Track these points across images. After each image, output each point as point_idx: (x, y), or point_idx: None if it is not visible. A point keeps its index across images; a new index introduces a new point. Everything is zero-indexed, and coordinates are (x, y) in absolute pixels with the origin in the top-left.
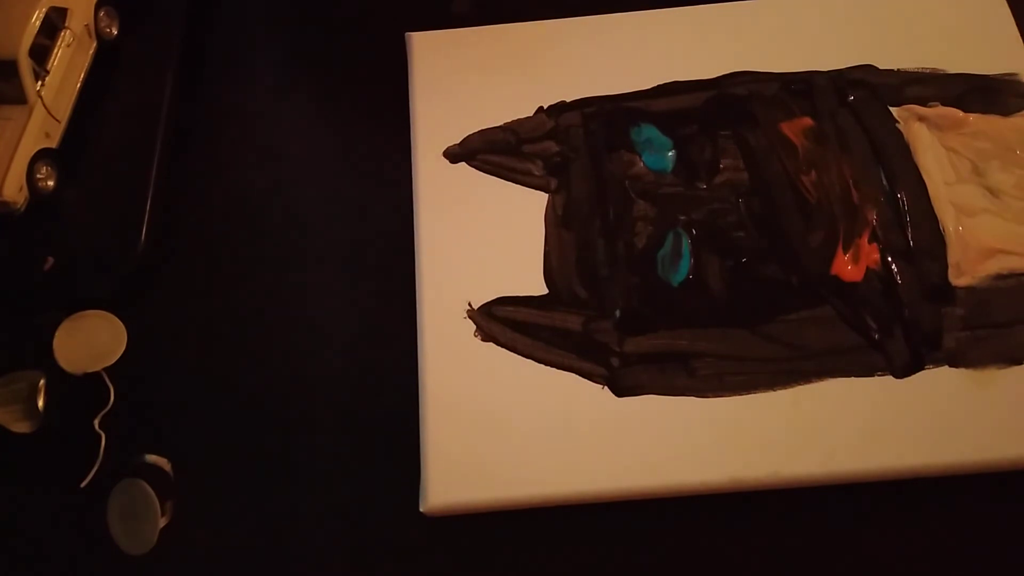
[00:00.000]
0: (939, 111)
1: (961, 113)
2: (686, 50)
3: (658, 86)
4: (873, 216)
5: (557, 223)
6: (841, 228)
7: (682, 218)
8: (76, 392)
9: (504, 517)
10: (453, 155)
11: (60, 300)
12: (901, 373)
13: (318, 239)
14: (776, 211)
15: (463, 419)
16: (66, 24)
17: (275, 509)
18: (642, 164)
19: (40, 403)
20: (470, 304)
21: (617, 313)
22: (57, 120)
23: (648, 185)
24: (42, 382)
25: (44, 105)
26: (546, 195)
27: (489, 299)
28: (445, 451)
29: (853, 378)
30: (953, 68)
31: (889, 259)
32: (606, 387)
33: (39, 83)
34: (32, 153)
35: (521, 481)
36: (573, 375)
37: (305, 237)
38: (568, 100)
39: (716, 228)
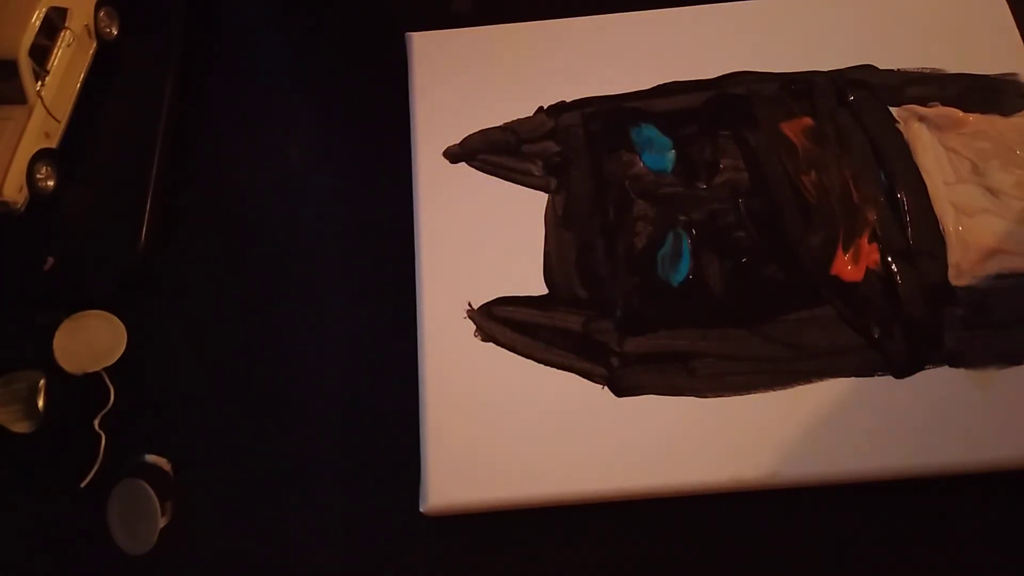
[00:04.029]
0: (939, 111)
1: (961, 113)
2: (686, 50)
3: (658, 86)
4: (873, 216)
5: (557, 223)
6: (841, 228)
7: (682, 218)
8: (76, 392)
9: (504, 517)
10: (453, 155)
11: (60, 300)
12: (901, 373)
13: (318, 239)
14: (776, 211)
15: (463, 419)
16: (66, 24)
17: (275, 509)
18: (642, 164)
19: (40, 403)
20: (470, 304)
21: (617, 313)
22: (57, 120)
23: (648, 185)
24: (42, 382)
25: (44, 105)
26: (546, 195)
27: (489, 299)
28: (445, 451)
29: (853, 378)
30: (953, 68)
31: (889, 259)
32: (606, 387)
33: (39, 83)
34: (32, 153)
35: (521, 481)
36: (573, 375)
37: (305, 237)
38: (568, 100)
39: (716, 228)
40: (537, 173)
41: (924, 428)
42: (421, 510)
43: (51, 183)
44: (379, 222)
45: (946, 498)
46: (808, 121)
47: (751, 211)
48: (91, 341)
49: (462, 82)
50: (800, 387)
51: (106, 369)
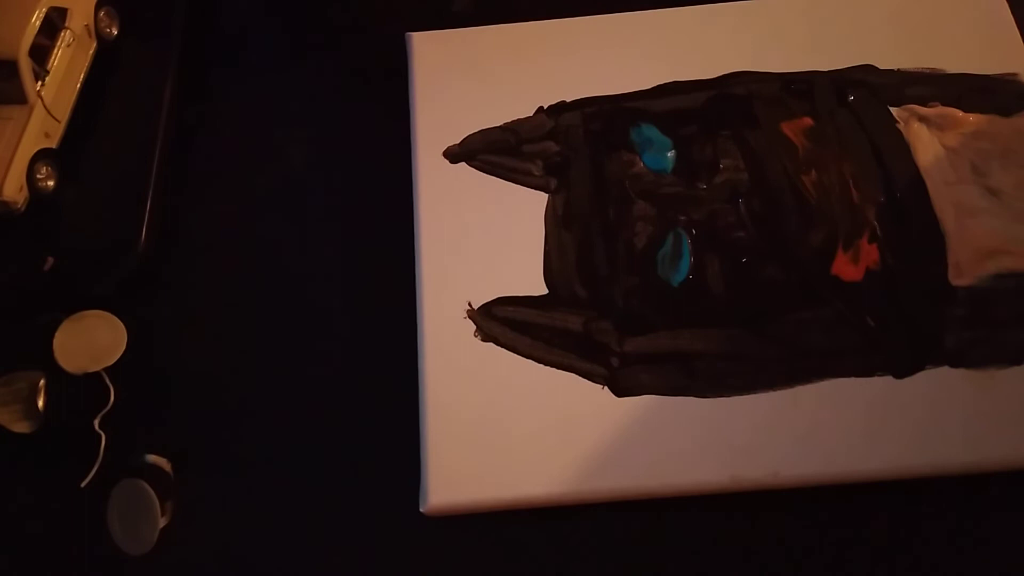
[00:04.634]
0: (939, 111)
1: (961, 113)
2: (686, 50)
3: (658, 86)
4: (873, 216)
5: (557, 223)
6: (841, 228)
7: (682, 218)
8: (76, 392)
9: (504, 517)
10: (453, 155)
11: (60, 300)
12: (901, 373)
13: (318, 239)
14: (776, 211)
15: (463, 419)
16: (66, 24)
17: (275, 509)
18: (642, 164)
19: (40, 403)
20: (470, 304)
21: (617, 313)
22: (57, 120)
23: (648, 185)
24: (42, 382)
25: (44, 105)
26: (546, 195)
27: (489, 299)
28: (445, 451)
29: (853, 378)
30: (953, 68)
31: (889, 259)
32: (606, 387)
33: (39, 83)
34: (32, 153)
35: (521, 481)
36: (573, 375)
37: (305, 237)
38: (568, 100)
39: (716, 228)
40: (537, 173)
41: (924, 428)
42: (421, 510)
43: (51, 183)
44: (379, 222)
45: (947, 498)
46: (808, 121)
47: (751, 211)
48: (91, 341)
49: (462, 82)
50: (800, 387)
51: (106, 369)
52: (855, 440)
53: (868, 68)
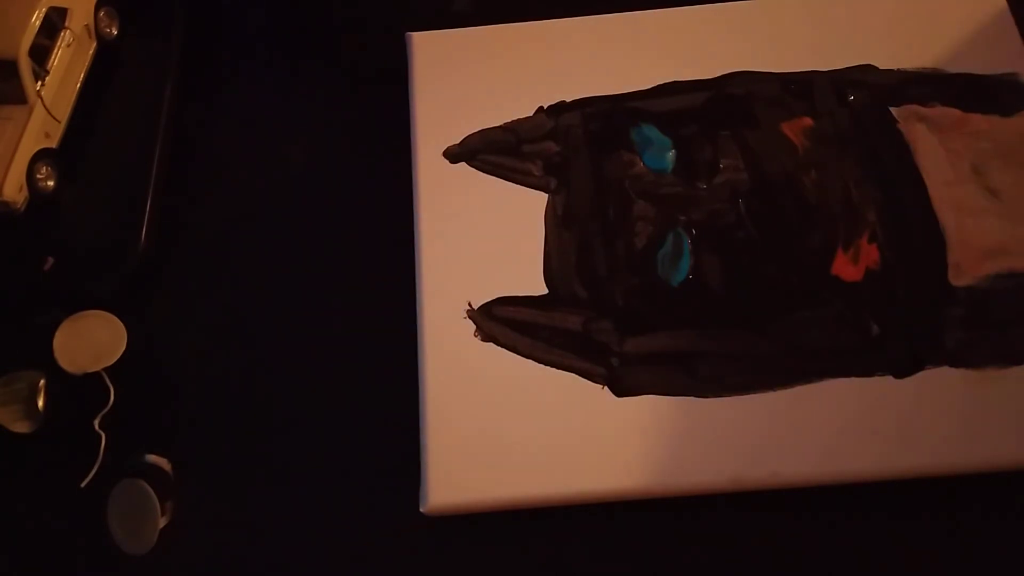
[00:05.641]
0: (939, 111)
1: (961, 113)
2: (686, 50)
3: (658, 86)
4: (873, 216)
5: (557, 223)
6: (841, 228)
7: (682, 218)
8: (76, 392)
9: (504, 517)
10: (453, 155)
11: (60, 300)
12: (901, 373)
13: (318, 239)
14: (776, 211)
15: (463, 419)
16: (66, 24)
17: (275, 509)
18: (642, 164)
19: (40, 403)
20: (470, 304)
21: (617, 313)
22: (57, 120)
23: (648, 185)
24: (42, 382)
25: (44, 105)
26: (546, 195)
27: (489, 299)
28: (445, 451)
29: (853, 378)
30: (953, 68)
31: (889, 259)
32: (606, 387)
33: (39, 83)
34: (32, 153)
35: (521, 481)
36: (573, 375)
37: (305, 237)
38: (568, 100)
39: (716, 228)
40: (537, 173)
41: (924, 428)
42: (421, 510)
43: (51, 183)
44: (379, 222)
45: (946, 498)
46: (808, 121)
47: (751, 211)
48: (91, 341)
49: (462, 82)
50: (800, 387)
51: (106, 369)
52: (855, 440)
53: (868, 68)
